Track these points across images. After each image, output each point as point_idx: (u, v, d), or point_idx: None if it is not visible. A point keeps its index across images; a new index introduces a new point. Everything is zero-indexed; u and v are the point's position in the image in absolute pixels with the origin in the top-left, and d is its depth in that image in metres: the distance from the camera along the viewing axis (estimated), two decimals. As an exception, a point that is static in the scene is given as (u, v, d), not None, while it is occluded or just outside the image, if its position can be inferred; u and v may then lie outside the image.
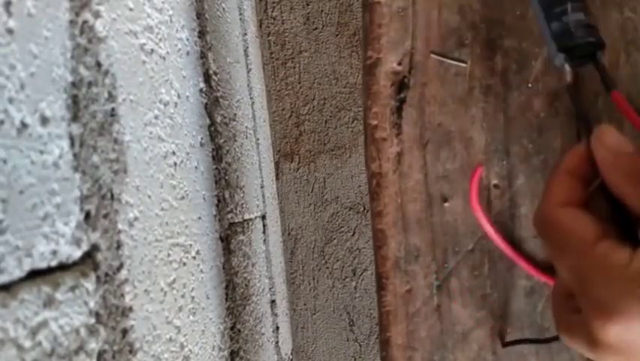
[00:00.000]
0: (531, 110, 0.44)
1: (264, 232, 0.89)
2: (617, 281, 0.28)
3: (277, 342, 0.93)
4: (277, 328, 0.94)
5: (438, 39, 0.48)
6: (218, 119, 0.66)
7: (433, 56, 0.48)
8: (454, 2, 0.48)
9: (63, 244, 0.32)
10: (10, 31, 0.28)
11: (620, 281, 0.28)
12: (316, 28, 1.08)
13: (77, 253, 0.33)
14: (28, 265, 0.28)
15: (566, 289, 0.32)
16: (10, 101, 0.28)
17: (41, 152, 0.30)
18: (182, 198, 0.51)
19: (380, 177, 0.50)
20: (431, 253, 0.50)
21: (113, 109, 0.39)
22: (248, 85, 0.89)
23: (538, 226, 0.32)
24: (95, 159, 0.36)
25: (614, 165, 0.30)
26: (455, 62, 0.47)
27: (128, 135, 0.41)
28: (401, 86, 0.49)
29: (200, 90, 0.60)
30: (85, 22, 0.36)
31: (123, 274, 0.38)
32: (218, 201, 0.63)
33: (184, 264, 0.50)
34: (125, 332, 0.37)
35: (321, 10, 1.08)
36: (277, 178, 1.10)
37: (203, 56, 0.62)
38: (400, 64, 0.49)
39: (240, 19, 0.89)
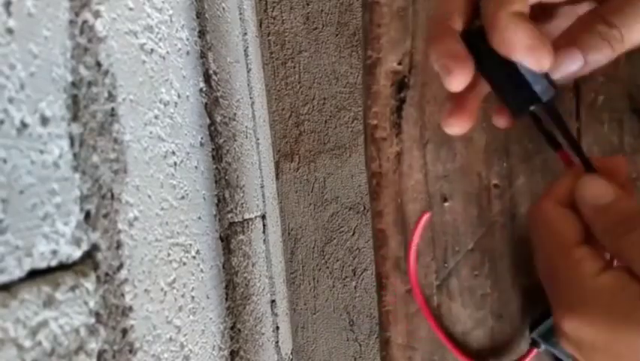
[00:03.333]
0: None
1: (264, 232, 0.89)
2: (582, 287, 0.31)
3: (277, 342, 0.93)
4: (277, 328, 0.94)
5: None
6: (218, 118, 0.66)
7: (433, 55, 0.48)
8: (454, 2, 0.48)
9: (63, 244, 0.32)
10: (10, 31, 0.28)
11: (585, 288, 0.31)
12: (316, 28, 1.08)
13: (77, 253, 0.33)
14: (28, 265, 0.28)
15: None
16: (10, 101, 0.28)
17: (41, 152, 0.30)
18: (182, 198, 0.51)
19: (380, 176, 0.50)
20: (431, 252, 0.50)
21: (112, 109, 0.39)
22: (248, 85, 0.89)
23: (530, 215, 0.35)
24: (95, 158, 0.36)
25: (593, 220, 0.33)
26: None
27: (128, 135, 0.41)
28: (401, 85, 0.49)
29: (200, 90, 0.60)
30: (85, 22, 0.36)
31: (123, 273, 0.38)
32: (218, 200, 0.63)
33: (184, 264, 0.50)
34: (125, 331, 0.37)
35: (321, 10, 1.08)
36: (277, 178, 1.10)
37: (203, 55, 0.62)
38: (400, 64, 0.49)
39: (240, 18, 0.89)
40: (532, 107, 0.35)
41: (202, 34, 0.62)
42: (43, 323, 0.29)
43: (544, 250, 0.34)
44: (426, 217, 0.49)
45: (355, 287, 1.11)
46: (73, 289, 0.32)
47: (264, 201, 0.92)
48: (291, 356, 1.06)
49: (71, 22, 0.34)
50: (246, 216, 0.77)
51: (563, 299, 0.32)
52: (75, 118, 0.34)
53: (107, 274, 0.36)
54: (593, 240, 0.33)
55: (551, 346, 0.47)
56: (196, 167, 0.56)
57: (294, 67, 1.09)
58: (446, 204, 0.49)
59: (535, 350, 0.48)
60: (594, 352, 0.31)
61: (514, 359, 0.49)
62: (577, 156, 0.36)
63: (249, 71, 0.91)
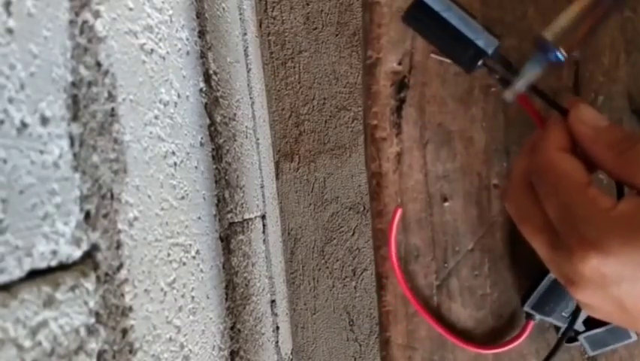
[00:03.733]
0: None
1: (263, 232, 0.89)
2: (602, 220, 0.31)
3: (277, 342, 0.93)
4: (277, 328, 0.94)
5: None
6: (218, 118, 0.66)
7: (432, 55, 0.48)
8: (454, 2, 0.48)
9: (63, 244, 0.32)
10: (10, 31, 0.28)
11: (605, 220, 0.31)
12: (316, 28, 1.08)
13: (77, 253, 0.33)
14: (28, 265, 0.28)
15: (550, 233, 0.34)
16: (10, 101, 0.28)
17: (41, 152, 0.30)
18: (182, 198, 0.51)
19: (380, 177, 0.50)
20: (431, 252, 0.50)
21: (112, 109, 0.39)
22: (248, 85, 0.89)
23: (535, 166, 0.35)
24: (95, 158, 0.36)
25: (594, 139, 0.34)
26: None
27: (128, 135, 0.41)
28: (401, 85, 0.49)
29: (200, 90, 0.60)
30: (85, 22, 0.36)
31: (123, 273, 0.38)
32: (218, 200, 0.63)
33: (184, 264, 0.50)
34: (125, 331, 0.37)
35: (321, 10, 1.08)
36: (277, 178, 1.10)
37: (203, 55, 0.62)
38: (400, 64, 0.49)
39: (240, 19, 0.89)
40: (479, 62, 0.37)
41: (202, 34, 0.62)
42: (43, 323, 0.29)
43: (558, 193, 0.33)
44: (399, 214, 0.49)
45: (355, 287, 1.11)
46: (73, 289, 0.32)
47: (264, 201, 0.92)
48: (291, 356, 1.06)
49: (71, 22, 0.34)
50: (246, 216, 0.77)
51: (583, 239, 0.31)
52: (75, 118, 0.34)
53: (107, 274, 0.36)
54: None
55: (546, 315, 0.47)
56: (196, 167, 0.56)
57: (294, 67, 1.09)
58: (446, 204, 0.49)
59: (531, 323, 0.48)
60: (620, 284, 0.31)
61: (513, 335, 0.49)
62: (540, 97, 0.37)
63: (249, 71, 0.91)
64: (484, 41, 0.36)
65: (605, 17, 0.35)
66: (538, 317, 0.48)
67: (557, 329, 0.49)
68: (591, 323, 0.47)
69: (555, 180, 0.34)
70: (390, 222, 0.49)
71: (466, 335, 0.50)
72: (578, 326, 0.47)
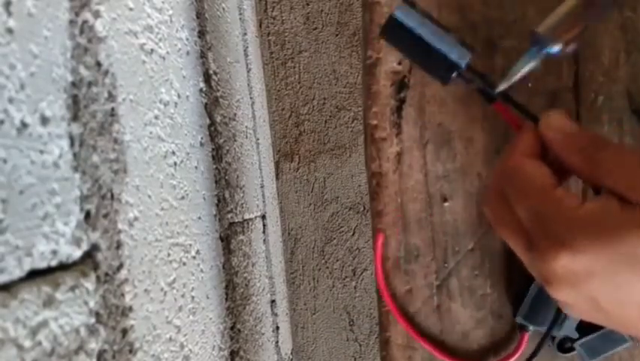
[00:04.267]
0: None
1: (264, 232, 0.89)
2: (570, 219, 0.32)
3: (277, 342, 0.93)
4: (277, 328, 0.94)
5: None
6: (218, 119, 0.66)
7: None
8: (454, 2, 0.48)
9: (63, 244, 0.32)
10: (10, 31, 0.28)
11: (573, 219, 0.32)
12: (316, 28, 1.08)
13: (77, 253, 0.33)
14: (28, 265, 0.28)
15: (524, 236, 0.35)
16: (10, 101, 0.28)
17: (41, 152, 0.30)
18: (182, 198, 0.51)
19: (380, 176, 0.50)
20: (431, 252, 0.50)
21: (112, 109, 0.39)
22: (248, 85, 0.89)
23: (504, 172, 0.36)
24: (95, 158, 0.36)
25: (564, 144, 0.35)
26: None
27: (128, 135, 0.41)
28: (401, 85, 0.49)
29: (200, 90, 0.60)
30: (85, 22, 0.36)
31: (123, 273, 0.38)
32: (218, 201, 0.63)
33: (184, 264, 0.50)
34: (125, 331, 0.37)
35: (321, 10, 1.08)
36: (277, 178, 1.10)
37: (203, 55, 0.62)
38: (399, 64, 0.49)
39: (240, 19, 0.89)
40: (453, 75, 0.38)
41: (202, 34, 0.62)
42: (43, 323, 0.29)
43: (527, 197, 0.34)
44: (381, 241, 0.50)
45: (355, 287, 1.11)
46: (73, 289, 0.32)
47: (264, 201, 0.92)
48: (291, 356, 1.06)
49: (71, 22, 0.34)
50: (246, 216, 0.77)
51: (553, 238, 0.32)
52: (75, 118, 0.34)
53: (107, 274, 0.36)
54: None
55: (539, 325, 0.47)
56: (196, 167, 0.56)
57: (294, 67, 1.09)
58: (446, 204, 0.49)
59: (526, 335, 0.48)
60: (591, 280, 0.32)
61: (510, 351, 0.49)
62: (515, 108, 0.38)
63: (249, 71, 0.91)
64: (456, 55, 0.38)
65: (602, 13, 0.36)
66: (531, 327, 0.48)
67: (552, 339, 0.48)
68: (584, 329, 0.47)
69: (522, 184, 0.35)
70: (376, 252, 0.50)
71: (464, 340, 0.50)
72: (572, 333, 0.47)
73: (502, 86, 0.38)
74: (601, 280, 0.32)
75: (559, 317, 0.46)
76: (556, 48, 0.36)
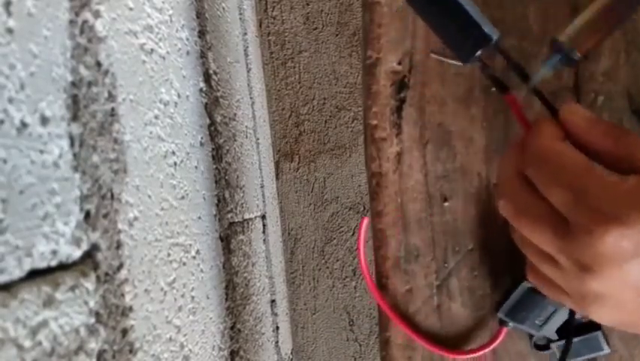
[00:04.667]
0: (531, 110, 0.44)
1: (263, 232, 0.89)
2: (616, 194, 0.32)
3: (277, 342, 0.93)
4: (277, 328, 0.94)
5: (438, 39, 0.48)
6: (218, 118, 0.66)
7: (432, 55, 0.48)
8: (454, 2, 0.48)
9: (63, 244, 0.32)
10: (10, 31, 0.28)
11: (620, 194, 0.32)
12: (316, 28, 1.08)
13: (77, 253, 0.33)
14: (28, 265, 0.28)
15: (556, 222, 0.34)
16: (10, 101, 0.28)
17: (41, 152, 0.30)
18: (182, 198, 0.51)
19: (380, 176, 0.50)
20: (431, 252, 0.50)
21: (112, 109, 0.39)
22: (248, 85, 0.89)
23: (532, 158, 0.35)
24: (95, 158, 0.36)
25: (589, 129, 0.35)
26: (455, 62, 0.47)
27: (128, 135, 0.41)
28: (401, 85, 0.49)
29: (200, 90, 0.60)
30: (85, 21, 0.36)
31: (123, 273, 0.38)
32: (218, 200, 0.63)
33: (184, 264, 0.50)
34: (125, 331, 0.37)
35: (321, 10, 1.08)
36: (277, 178, 1.10)
37: (203, 55, 0.62)
38: (399, 64, 0.49)
39: (240, 18, 0.89)
40: (479, 52, 0.35)
41: (202, 34, 0.62)
42: (43, 323, 0.29)
43: (564, 176, 0.33)
44: (365, 222, 0.50)
45: (355, 287, 1.11)
46: (73, 289, 0.32)
47: (264, 201, 0.92)
48: (291, 356, 1.06)
49: (71, 22, 0.34)
50: (246, 216, 0.77)
51: (601, 215, 0.32)
52: (75, 118, 0.34)
53: (107, 274, 0.36)
54: None
55: (519, 322, 0.48)
56: (196, 167, 0.56)
57: (294, 67, 1.09)
58: (446, 204, 0.49)
59: (505, 329, 0.48)
60: None
61: (485, 341, 0.49)
62: (536, 96, 0.36)
63: (248, 71, 0.91)
64: (490, 28, 0.34)
65: (622, 20, 0.36)
66: (511, 324, 0.48)
67: (531, 336, 0.49)
68: (563, 333, 0.47)
69: (557, 167, 0.34)
70: (359, 232, 0.50)
71: (464, 340, 0.50)
72: (552, 335, 0.47)
73: (519, 95, 0.37)
74: None
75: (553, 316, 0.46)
76: (577, 56, 0.35)
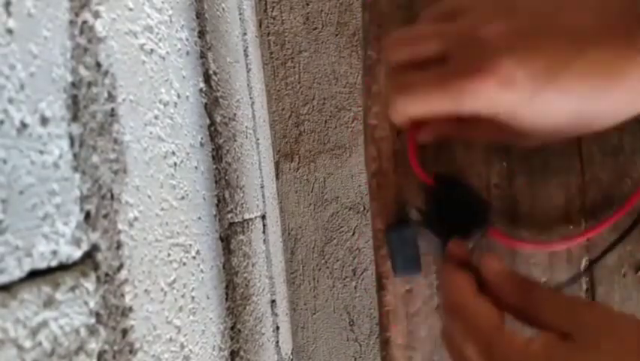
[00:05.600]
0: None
1: (264, 232, 0.89)
2: (520, 355, 0.34)
3: (277, 342, 0.93)
4: (277, 328, 0.94)
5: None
6: (218, 119, 0.66)
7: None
8: (453, 2, 0.48)
9: (63, 244, 0.32)
10: (10, 31, 0.28)
11: (523, 355, 0.34)
12: (316, 28, 1.08)
13: (77, 253, 0.33)
14: (28, 265, 0.28)
15: None
16: (10, 101, 0.28)
17: (41, 152, 0.30)
18: (182, 198, 0.51)
19: (380, 177, 0.50)
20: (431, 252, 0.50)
21: (112, 109, 0.39)
22: (248, 85, 0.89)
23: (450, 310, 0.39)
24: (95, 159, 0.36)
25: (502, 286, 0.38)
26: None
27: (128, 135, 0.41)
28: (401, 85, 0.49)
29: (200, 90, 0.60)
30: (85, 22, 0.36)
31: (123, 274, 0.38)
32: (218, 201, 0.63)
33: (184, 264, 0.50)
34: (125, 332, 0.37)
35: (321, 10, 1.08)
36: (277, 178, 1.10)
37: (203, 55, 0.62)
38: (399, 64, 0.49)
39: (240, 19, 0.89)
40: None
41: (202, 34, 0.62)
42: (43, 323, 0.29)
43: (478, 334, 0.36)
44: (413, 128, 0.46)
45: (355, 287, 1.11)
46: (73, 289, 0.32)
47: (264, 201, 0.92)
48: (291, 356, 1.06)
49: (71, 23, 0.34)
50: (246, 216, 0.77)
51: None
52: (75, 118, 0.34)
53: (107, 275, 0.36)
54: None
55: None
56: (196, 167, 0.56)
57: (294, 67, 1.09)
58: (446, 204, 0.49)
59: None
60: None
61: None
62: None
63: (248, 71, 0.91)
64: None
65: None
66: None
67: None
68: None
69: (470, 323, 0.37)
70: (410, 138, 0.47)
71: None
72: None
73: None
74: None
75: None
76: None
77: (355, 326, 1.12)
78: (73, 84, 0.34)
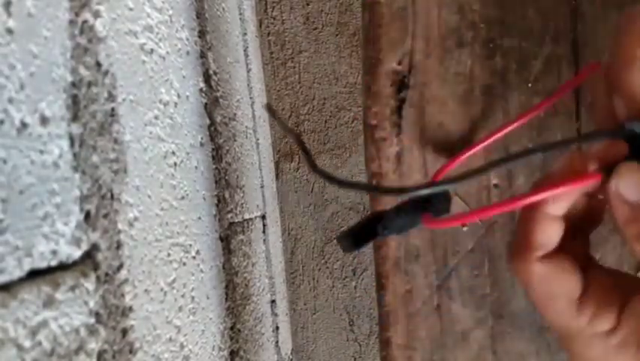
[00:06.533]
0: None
1: (264, 232, 0.89)
2: (601, 350, 0.28)
3: (277, 342, 0.93)
4: (277, 328, 0.94)
5: (438, 39, 0.48)
6: (218, 119, 0.66)
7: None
8: (453, 2, 0.48)
9: (63, 244, 0.32)
10: (10, 31, 0.28)
11: (605, 349, 0.28)
12: (316, 28, 1.08)
13: (77, 253, 0.33)
14: (28, 265, 0.28)
15: None
16: (10, 101, 0.28)
17: (41, 152, 0.30)
18: (182, 198, 0.51)
19: (380, 177, 0.50)
20: (431, 252, 0.50)
21: (112, 109, 0.39)
22: (248, 85, 0.89)
23: (518, 274, 0.31)
24: (95, 159, 0.36)
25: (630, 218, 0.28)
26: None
27: (128, 135, 0.41)
28: (401, 86, 0.49)
29: (200, 90, 0.60)
30: (85, 22, 0.36)
31: (123, 274, 0.38)
32: (218, 201, 0.63)
33: (184, 264, 0.50)
34: (125, 331, 0.37)
35: (321, 10, 1.08)
36: (277, 178, 1.10)
37: (203, 55, 0.62)
38: (399, 64, 0.49)
39: (240, 18, 0.89)
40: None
41: (202, 34, 0.62)
42: (43, 323, 0.29)
43: (549, 311, 0.30)
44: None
45: (355, 287, 1.11)
46: (73, 289, 0.32)
47: (264, 201, 0.92)
48: (291, 356, 1.06)
49: (71, 22, 0.34)
50: (246, 216, 0.77)
51: None
52: (75, 118, 0.34)
53: (107, 274, 0.36)
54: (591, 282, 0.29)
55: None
56: (196, 167, 0.56)
57: (294, 67, 1.09)
58: (446, 204, 0.49)
59: None
60: None
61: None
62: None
63: (248, 71, 0.91)
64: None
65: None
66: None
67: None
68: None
69: (545, 294, 0.30)
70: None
71: (464, 340, 0.50)
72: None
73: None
74: None
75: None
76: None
77: (355, 326, 1.12)
78: (73, 84, 0.34)
